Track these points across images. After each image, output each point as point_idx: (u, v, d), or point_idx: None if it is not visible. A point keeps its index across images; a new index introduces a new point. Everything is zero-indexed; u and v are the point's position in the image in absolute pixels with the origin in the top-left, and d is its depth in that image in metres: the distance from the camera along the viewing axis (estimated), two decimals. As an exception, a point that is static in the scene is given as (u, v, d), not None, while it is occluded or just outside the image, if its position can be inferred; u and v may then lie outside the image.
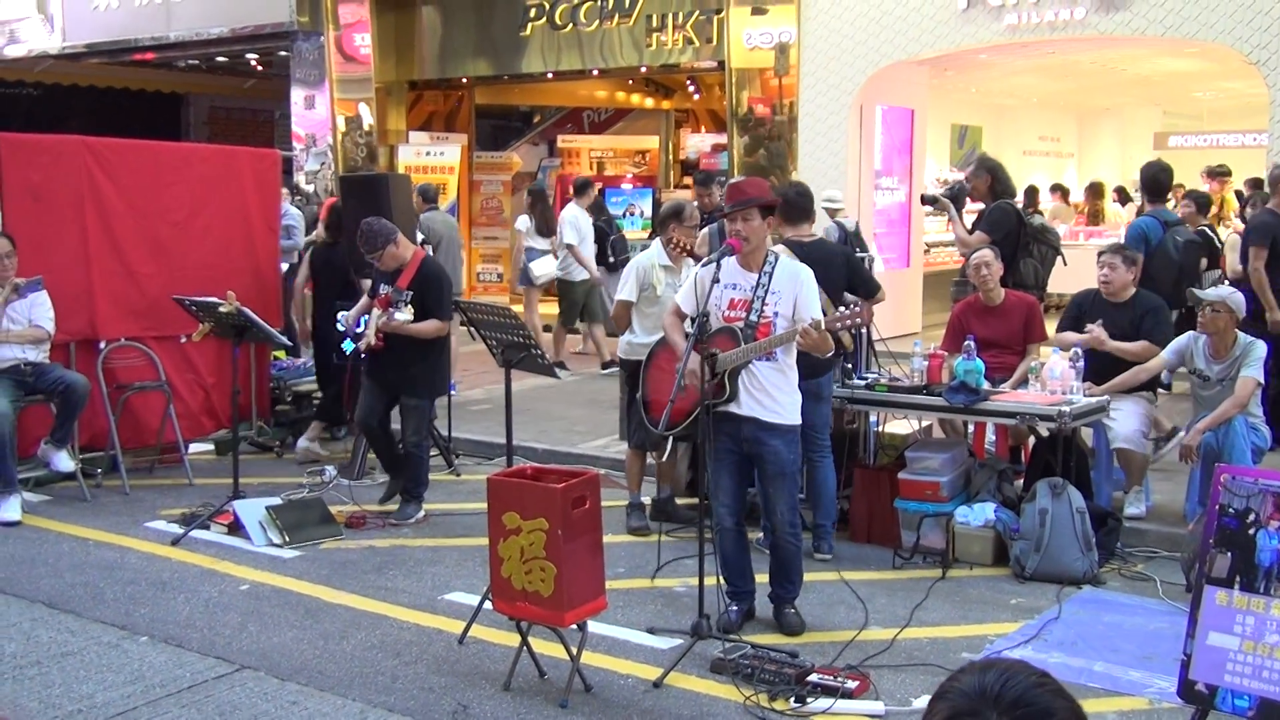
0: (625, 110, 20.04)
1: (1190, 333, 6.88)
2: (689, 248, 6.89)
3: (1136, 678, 4.92)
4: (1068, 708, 1.49)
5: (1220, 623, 3.99)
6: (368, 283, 7.69)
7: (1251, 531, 3.98)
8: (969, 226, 8.71)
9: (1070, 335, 7.07)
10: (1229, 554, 4.02)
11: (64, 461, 7.73)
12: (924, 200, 10.49)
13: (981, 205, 8.85)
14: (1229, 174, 13.77)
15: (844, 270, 6.56)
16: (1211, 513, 4.10)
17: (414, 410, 7.38)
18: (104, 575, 6.30)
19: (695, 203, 8.95)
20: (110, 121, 18.16)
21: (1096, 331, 6.93)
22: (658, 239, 7.09)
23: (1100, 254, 7.32)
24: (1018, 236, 8.16)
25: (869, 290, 6.63)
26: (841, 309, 5.19)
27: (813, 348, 5.11)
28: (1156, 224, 8.32)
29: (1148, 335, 6.97)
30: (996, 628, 5.53)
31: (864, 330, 7.48)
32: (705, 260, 5.42)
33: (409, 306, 7.10)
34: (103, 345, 8.25)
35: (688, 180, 17.88)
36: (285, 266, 10.63)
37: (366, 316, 7.34)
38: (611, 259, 13.07)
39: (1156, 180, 8.45)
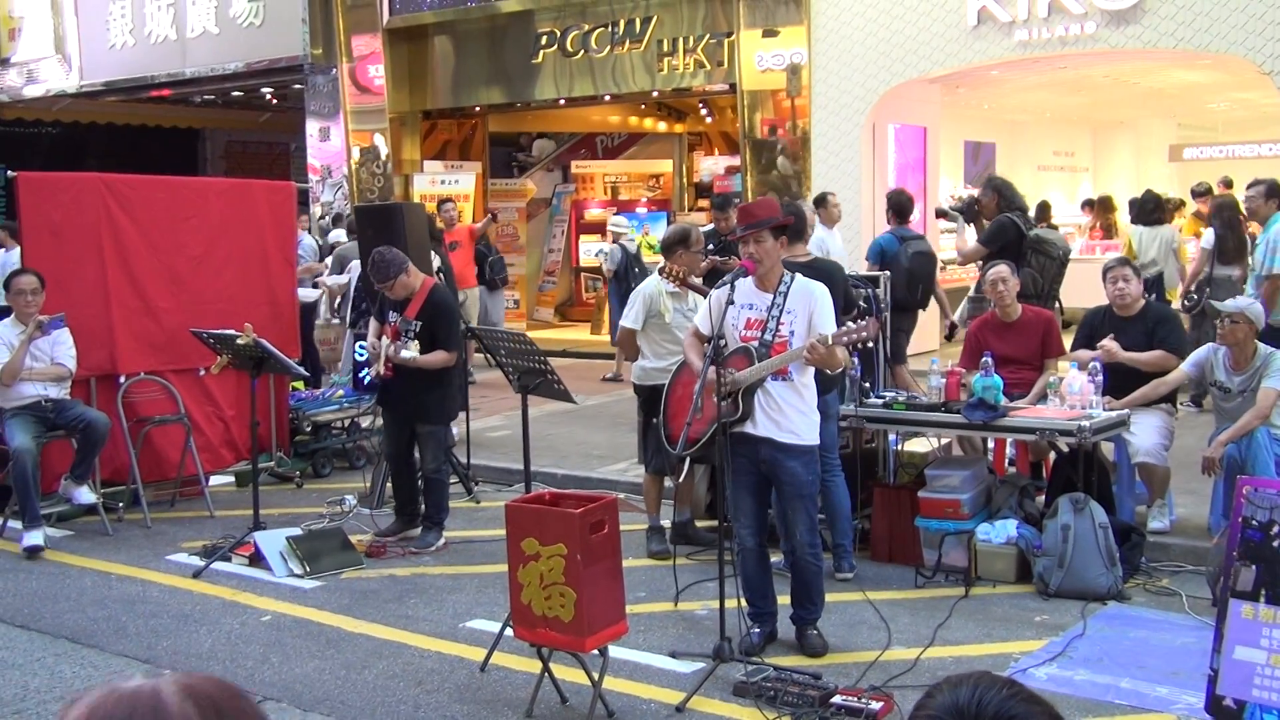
0: (638, 135, 20.11)
1: (1210, 344, 6.84)
2: (684, 276, 6.81)
3: (1163, 694, 4.87)
4: (1044, 712, 1.47)
5: (1246, 637, 3.95)
6: None
7: (1276, 544, 3.95)
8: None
9: (1084, 353, 7.04)
10: (1254, 567, 3.98)
11: (85, 496, 7.77)
12: (938, 214, 10.62)
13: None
14: (1210, 190, 14.05)
15: (842, 289, 6.50)
16: (1235, 525, 4.07)
17: (430, 437, 7.39)
18: (126, 609, 6.32)
19: (711, 225, 8.97)
20: (128, 158, 18.33)
21: (1107, 344, 6.91)
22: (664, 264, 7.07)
23: (1107, 270, 7.29)
24: (1018, 248, 8.26)
25: (851, 308, 6.56)
26: (849, 324, 5.17)
27: (821, 363, 5.12)
28: (894, 239, 9.32)
29: (1162, 344, 6.94)
30: (1021, 646, 5.48)
31: (881, 349, 7.49)
32: (720, 282, 5.43)
33: (415, 341, 7.10)
34: (122, 380, 8.29)
35: (702, 203, 17.94)
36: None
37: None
38: (488, 278, 14.01)
39: (902, 205, 9.69)
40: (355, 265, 11.15)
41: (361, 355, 8.47)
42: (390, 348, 7.09)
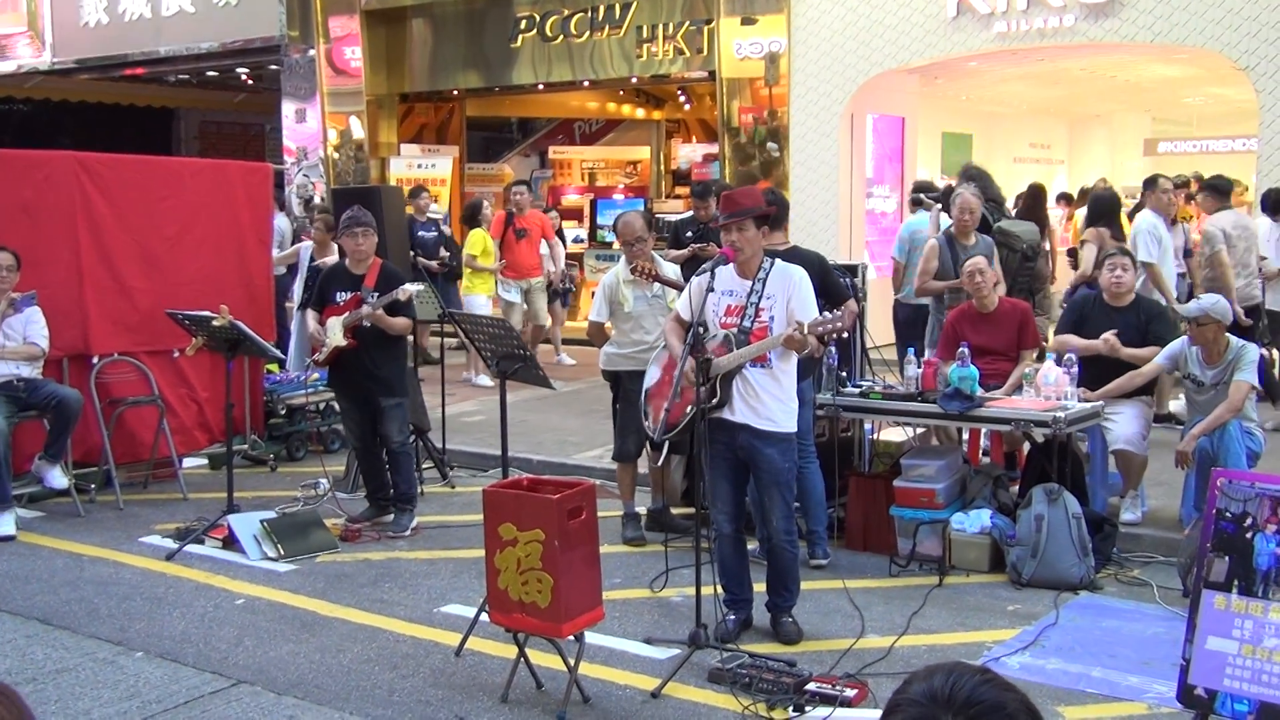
0: (616, 121, 20.05)
1: (1184, 338, 6.89)
2: (655, 272, 6.80)
3: (1135, 683, 4.92)
4: (1016, 699, 1.51)
5: (1219, 627, 3.98)
6: None
7: (1249, 535, 3.98)
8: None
9: (1075, 340, 7.06)
10: (1227, 558, 4.02)
11: (58, 477, 7.70)
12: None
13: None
14: (1187, 184, 14.20)
15: (818, 276, 6.47)
16: (1209, 517, 4.10)
17: (395, 410, 7.38)
18: (99, 591, 6.28)
19: (690, 213, 8.97)
20: (101, 137, 18.16)
21: (1111, 339, 6.94)
22: (623, 255, 7.08)
23: (1105, 257, 7.33)
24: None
25: (839, 297, 6.55)
26: (826, 313, 5.18)
27: (794, 347, 5.14)
28: None
29: (1156, 341, 6.98)
30: (994, 634, 5.52)
31: (858, 338, 7.50)
32: (700, 269, 5.43)
33: (420, 281, 7.18)
34: (95, 360, 8.22)
35: (680, 190, 17.92)
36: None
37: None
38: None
39: None
40: (305, 247, 11.06)
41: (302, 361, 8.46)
42: (366, 308, 7.06)
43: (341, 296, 7.25)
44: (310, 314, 7.45)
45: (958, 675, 1.52)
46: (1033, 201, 11.51)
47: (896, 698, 1.56)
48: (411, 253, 11.06)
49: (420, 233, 12.54)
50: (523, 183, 13.42)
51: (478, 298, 12.10)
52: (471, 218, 12.43)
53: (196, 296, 8.21)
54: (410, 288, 7.11)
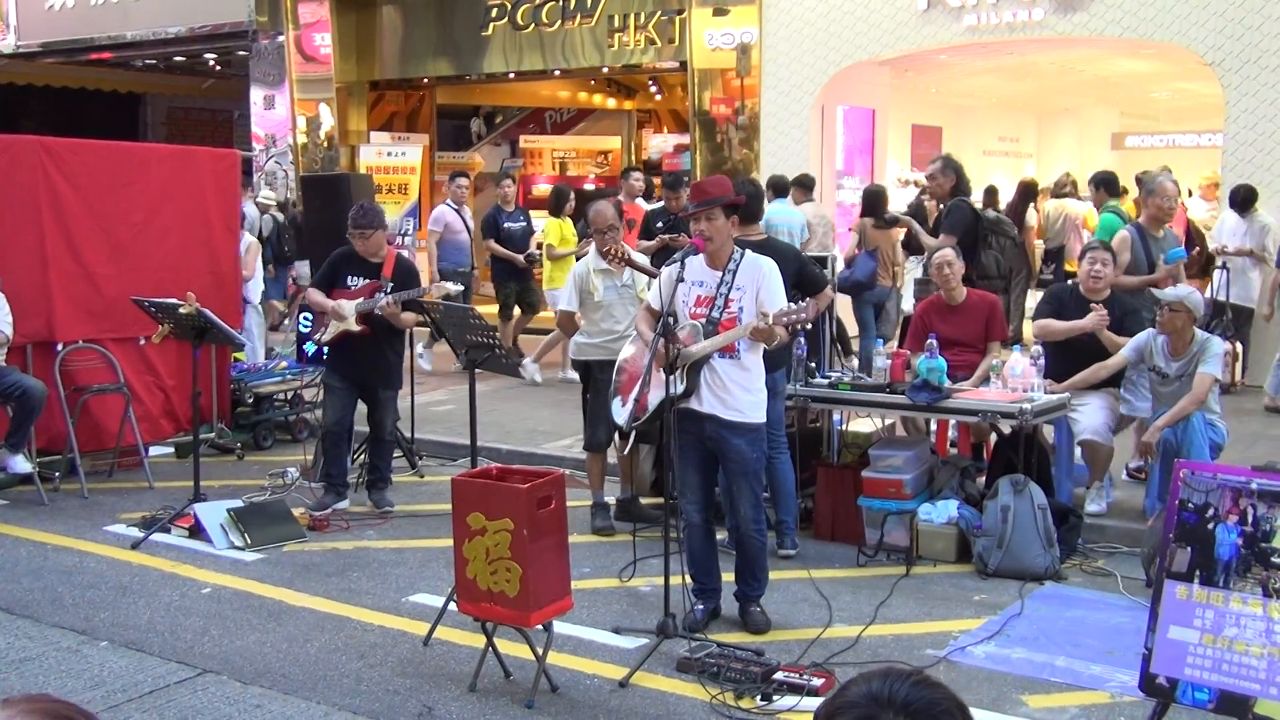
0: (587, 111, 20.02)
1: (1150, 330, 6.95)
2: (627, 257, 6.81)
3: (1098, 672, 4.97)
4: (947, 696, 1.63)
5: (1180, 617, 4.02)
6: None
7: (1211, 526, 4.02)
8: (930, 228, 8.96)
9: (1055, 324, 7.10)
10: (1189, 549, 4.05)
11: (21, 465, 7.63)
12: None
13: (939, 203, 9.05)
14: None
15: (795, 267, 6.48)
16: (1171, 508, 4.14)
17: (390, 402, 7.58)
18: (63, 580, 6.22)
19: (661, 203, 8.95)
20: (67, 122, 17.95)
21: (1103, 314, 6.98)
22: (593, 245, 7.08)
23: (1087, 249, 7.37)
24: (976, 231, 8.34)
25: (816, 287, 6.55)
26: (790, 304, 5.19)
27: (761, 339, 5.14)
28: None
29: (1129, 335, 7.03)
30: (960, 624, 5.56)
31: (826, 328, 7.54)
32: (670, 259, 5.43)
33: (450, 282, 7.31)
34: (60, 347, 8.13)
35: (654, 180, 17.89)
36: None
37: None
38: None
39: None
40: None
41: (306, 326, 8.41)
42: (382, 299, 7.08)
43: (354, 281, 7.31)
44: (315, 293, 7.46)
45: (894, 678, 1.64)
46: (1023, 196, 11.66)
47: (836, 701, 1.65)
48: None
49: (506, 223, 11.92)
50: (636, 169, 12.50)
51: (562, 292, 11.58)
52: (557, 206, 11.62)
53: (163, 283, 8.14)
54: (450, 288, 7.24)
